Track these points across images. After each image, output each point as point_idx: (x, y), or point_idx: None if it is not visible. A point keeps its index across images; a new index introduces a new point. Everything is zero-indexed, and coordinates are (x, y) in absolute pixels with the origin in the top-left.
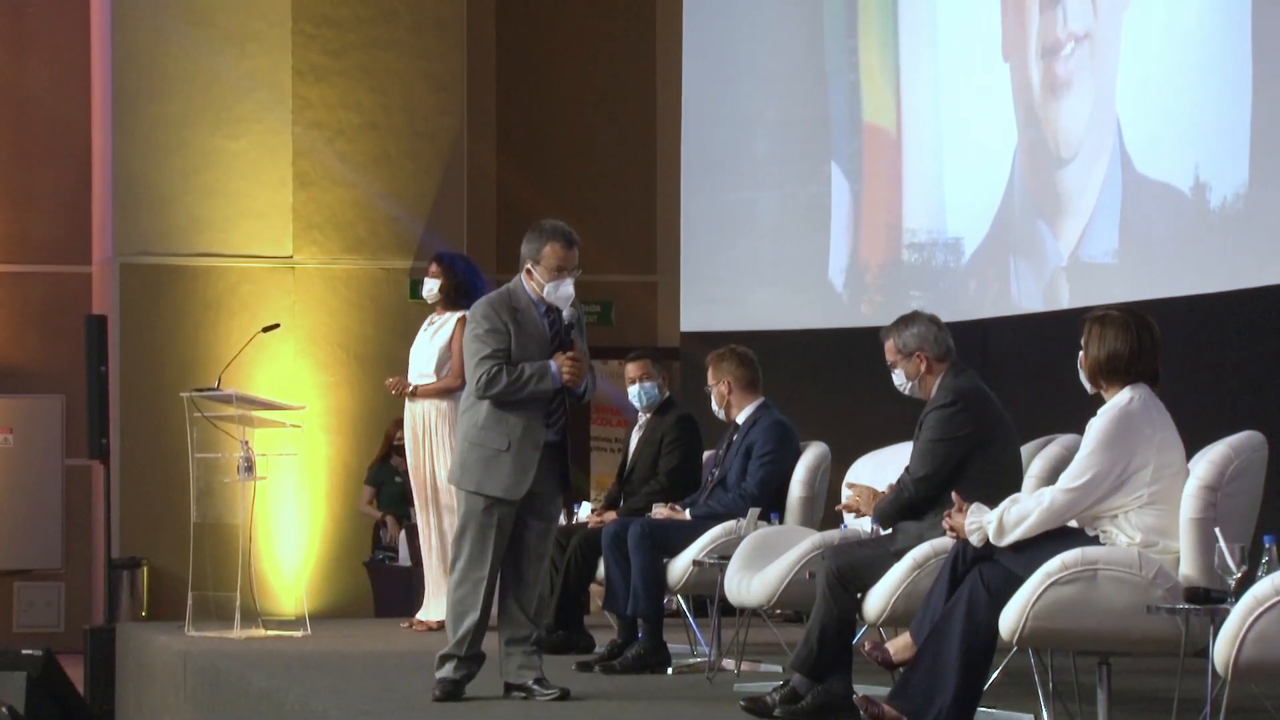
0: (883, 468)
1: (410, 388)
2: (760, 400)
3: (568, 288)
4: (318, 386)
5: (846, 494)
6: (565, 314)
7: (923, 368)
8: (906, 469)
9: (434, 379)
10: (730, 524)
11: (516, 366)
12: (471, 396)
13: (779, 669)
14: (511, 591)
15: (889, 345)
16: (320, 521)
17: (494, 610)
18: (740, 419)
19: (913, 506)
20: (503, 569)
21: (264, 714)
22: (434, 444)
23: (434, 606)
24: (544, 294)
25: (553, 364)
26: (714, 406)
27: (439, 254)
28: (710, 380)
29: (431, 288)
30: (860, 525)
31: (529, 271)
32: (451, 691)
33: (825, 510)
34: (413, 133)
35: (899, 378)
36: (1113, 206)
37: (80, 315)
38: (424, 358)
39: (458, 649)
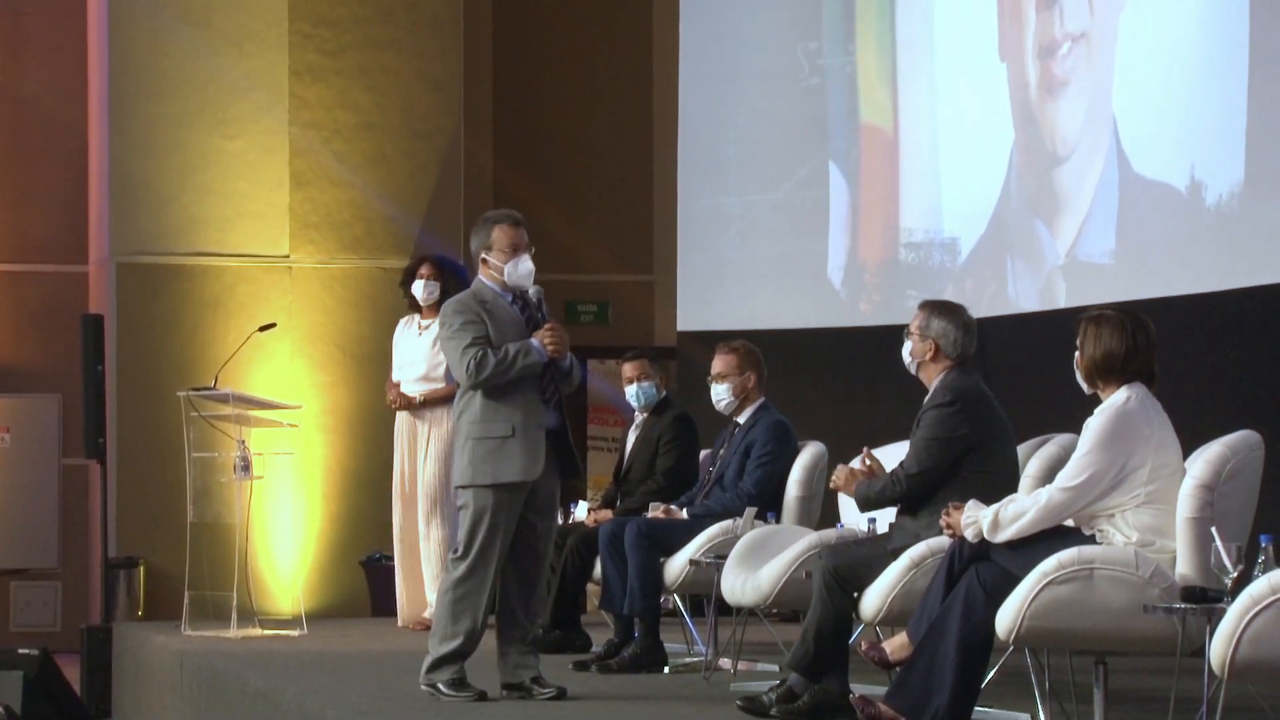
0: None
1: (418, 399)
2: (762, 400)
3: (527, 264)
4: (314, 386)
5: (856, 463)
6: (531, 292)
7: (929, 355)
8: (901, 464)
9: (443, 384)
10: (727, 523)
11: (500, 349)
12: (466, 395)
13: (776, 668)
14: (513, 591)
15: (916, 317)
16: (317, 521)
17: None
18: (741, 418)
19: (903, 502)
20: (506, 571)
21: (260, 713)
22: (429, 448)
23: (409, 610)
24: (505, 276)
25: (533, 340)
26: (728, 397)
27: (437, 257)
28: (734, 369)
29: (432, 290)
30: (856, 524)
31: (485, 262)
32: (483, 691)
33: (822, 509)
34: (410, 132)
35: (906, 349)
36: (1109, 206)
37: (77, 315)
38: (425, 362)
39: (466, 646)
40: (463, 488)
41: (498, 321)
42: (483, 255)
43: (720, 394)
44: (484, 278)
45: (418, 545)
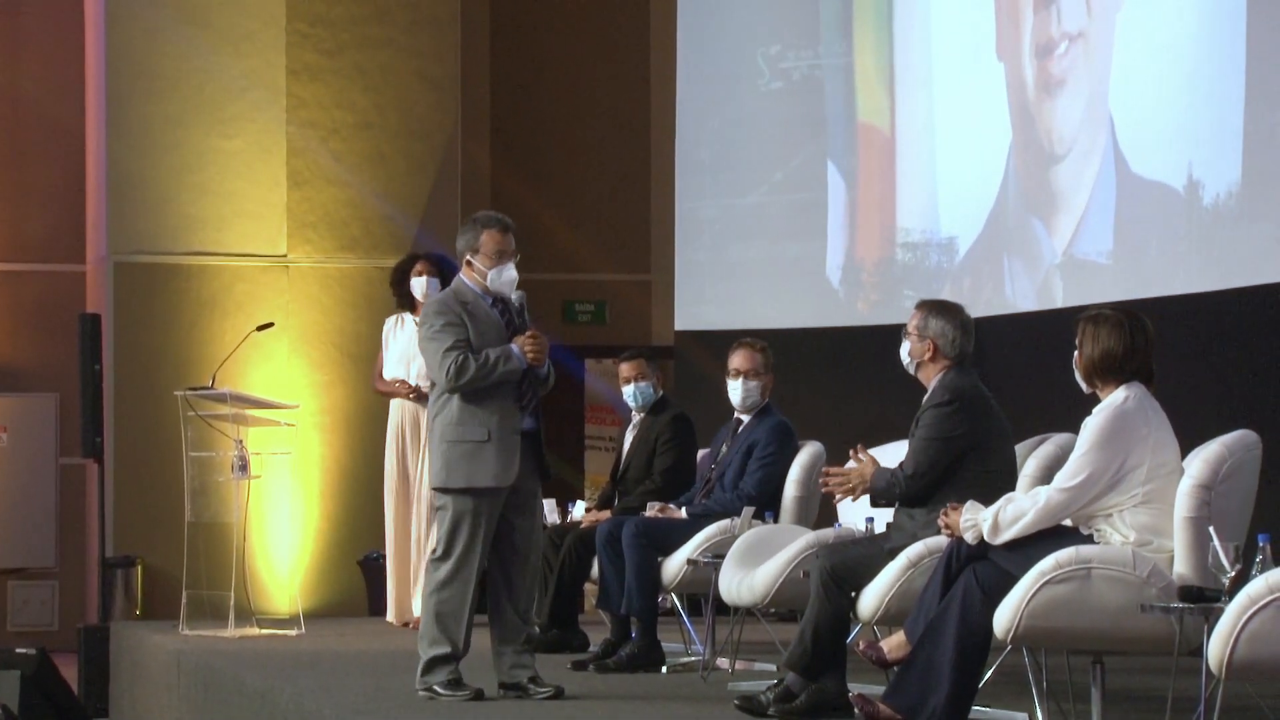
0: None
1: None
2: (765, 401)
3: (511, 272)
4: (312, 385)
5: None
6: (513, 297)
7: (927, 355)
8: (901, 464)
9: None
10: (725, 523)
11: (480, 353)
12: (442, 397)
13: (773, 668)
14: (503, 592)
15: (914, 317)
16: (314, 520)
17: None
18: (744, 417)
19: (904, 502)
20: (493, 571)
21: (258, 713)
22: (423, 443)
23: (400, 607)
24: (488, 282)
25: (514, 346)
26: (756, 395)
27: (434, 255)
28: (762, 366)
29: (435, 286)
30: (854, 524)
31: (469, 264)
32: (480, 690)
33: (820, 509)
34: (407, 132)
35: (904, 350)
36: (1106, 205)
37: (74, 314)
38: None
39: (455, 649)
40: (438, 490)
41: (478, 324)
42: (468, 257)
43: (749, 390)
44: (466, 278)
45: (410, 539)
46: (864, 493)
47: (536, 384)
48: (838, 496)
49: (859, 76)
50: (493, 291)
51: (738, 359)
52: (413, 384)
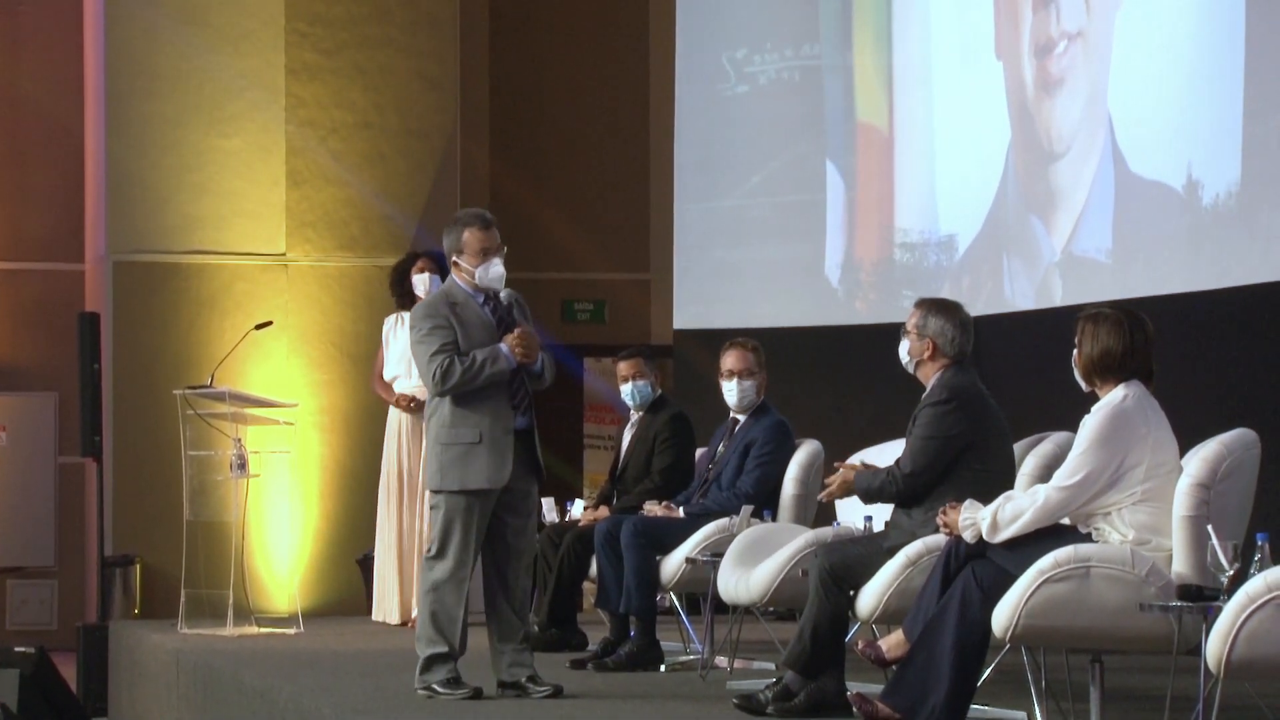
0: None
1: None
2: (761, 400)
3: (498, 267)
4: (310, 384)
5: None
6: (503, 296)
7: (926, 354)
8: (897, 462)
9: None
10: (723, 521)
11: (467, 355)
12: (434, 399)
13: (772, 666)
14: (498, 591)
15: (913, 315)
16: (313, 519)
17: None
18: (741, 416)
19: (899, 501)
20: (487, 571)
21: (257, 712)
22: (422, 443)
23: (392, 607)
24: (476, 279)
25: (502, 345)
26: (752, 395)
27: (435, 252)
28: (757, 365)
29: (435, 283)
30: (852, 522)
31: (456, 264)
32: (478, 689)
33: (818, 508)
34: (406, 131)
35: (903, 349)
36: (1105, 204)
37: (73, 313)
38: None
39: (452, 648)
40: (433, 491)
41: (466, 325)
42: (454, 258)
43: (745, 390)
44: (457, 278)
45: (409, 541)
46: (847, 495)
47: (530, 382)
48: (823, 499)
49: (858, 76)
50: (482, 288)
51: (730, 359)
52: (410, 392)
